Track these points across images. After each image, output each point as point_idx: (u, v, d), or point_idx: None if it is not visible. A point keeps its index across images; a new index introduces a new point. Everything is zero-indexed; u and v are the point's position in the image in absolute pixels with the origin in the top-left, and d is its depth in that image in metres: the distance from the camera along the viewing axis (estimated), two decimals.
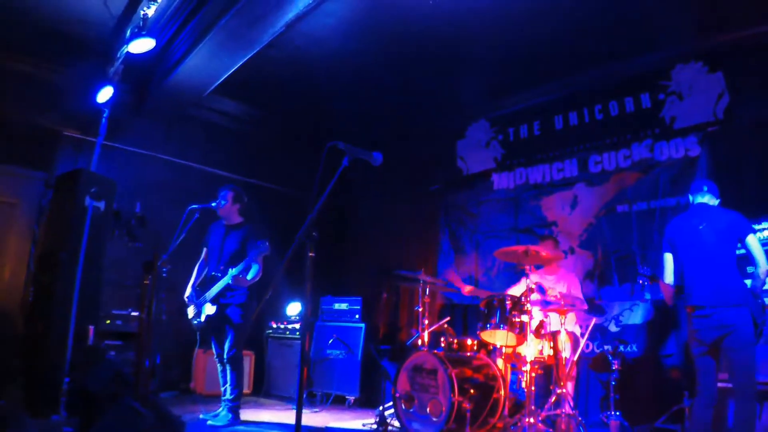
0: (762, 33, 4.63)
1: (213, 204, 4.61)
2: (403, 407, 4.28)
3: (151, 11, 4.58)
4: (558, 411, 4.12)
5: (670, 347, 4.78)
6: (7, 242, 5.36)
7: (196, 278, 4.75)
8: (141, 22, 4.60)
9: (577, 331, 4.89)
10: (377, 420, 4.49)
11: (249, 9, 4.29)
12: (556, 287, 4.87)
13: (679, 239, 3.62)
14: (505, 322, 4.23)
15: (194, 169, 6.66)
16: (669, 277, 3.67)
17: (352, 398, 5.81)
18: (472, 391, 4.01)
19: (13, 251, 5.38)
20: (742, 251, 3.46)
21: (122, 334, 5.10)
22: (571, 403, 4.24)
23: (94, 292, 4.46)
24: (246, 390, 5.87)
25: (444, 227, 6.88)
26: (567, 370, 4.36)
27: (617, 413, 4.24)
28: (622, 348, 4.86)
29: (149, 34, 4.60)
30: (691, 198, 3.75)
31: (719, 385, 3.41)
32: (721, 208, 3.64)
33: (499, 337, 4.37)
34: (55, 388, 3.74)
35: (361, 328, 5.99)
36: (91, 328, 4.24)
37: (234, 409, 4.46)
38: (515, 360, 4.34)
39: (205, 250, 4.86)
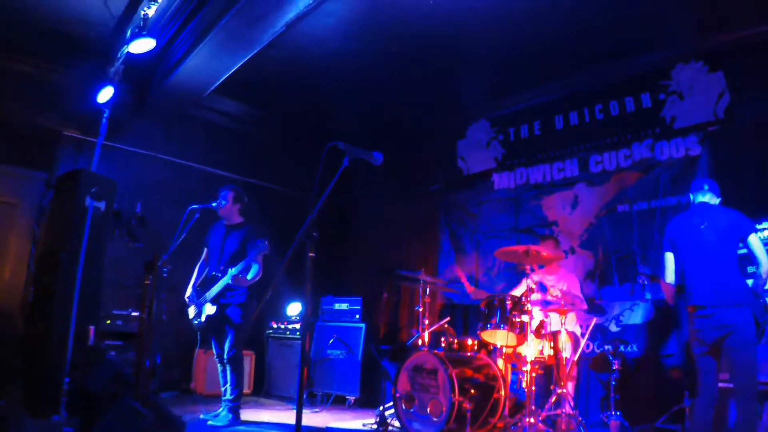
0: (762, 32, 4.63)
1: (213, 204, 4.61)
2: (404, 407, 4.28)
3: (151, 11, 4.58)
4: (558, 411, 4.12)
5: (670, 347, 4.78)
6: (8, 242, 5.36)
7: (197, 278, 4.75)
8: (141, 22, 4.60)
9: (578, 331, 4.89)
10: (377, 420, 4.49)
11: (249, 9, 4.29)
12: (556, 287, 4.87)
13: (681, 239, 3.60)
14: (506, 322, 4.23)
15: (195, 169, 6.66)
16: (670, 276, 3.66)
17: (352, 398, 5.81)
18: (472, 391, 4.01)
19: (14, 251, 5.38)
20: (744, 251, 3.44)
21: (123, 335, 5.10)
22: (572, 403, 4.24)
23: (95, 292, 4.46)
24: (246, 390, 5.88)
25: (444, 227, 6.87)
26: (567, 370, 4.36)
27: (617, 413, 4.24)
28: (622, 348, 4.85)
29: (150, 34, 4.60)
30: (691, 197, 3.73)
31: (720, 385, 3.40)
32: (722, 207, 3.62)
33: (499, 337, 4.37)
34: (56, 389, 3.74)
35: (362, 328, 5.99)
36: (92, 328, 4.24)
37: (234, 409, 4.46)
38: (516, 360, 4.34)
39: (205, 250, 4.86)
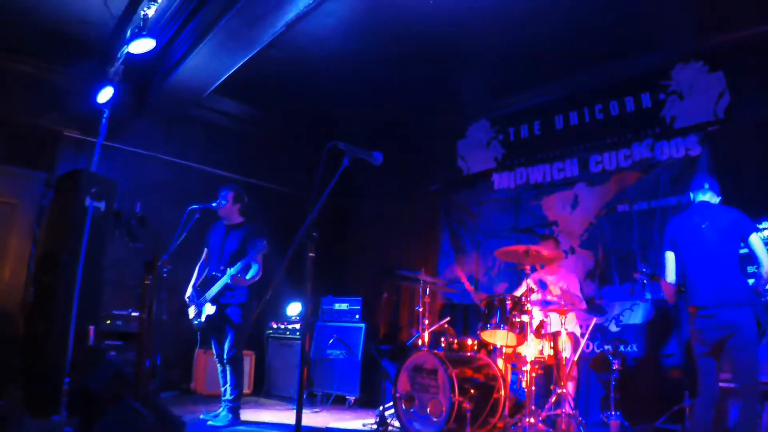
0: (762, 32, 4.63)
1: (213, 204, 4.61)
2: (404, 407, 4.28)
3: (151, 11, 4.58)
4: (558, 411, 4.12)
5: (670, 347, 4.78)
6: (8, 242, 5.36)
7: (197, 278, 4.76)
8: (141, 23, 4.60)
9: (578, 331, 4.89)
10: (377, 420, 4.49)
11: (249, 9, 4.29)
12: (556, 286, 4.87)
13: (682, 238, 3.58)
14: (506, 322, 4.23)
15: (194, 169, 6.66)
16: (671, 275, 3.64)
17: (352, 398, 5.81)
18: (472, 391, 4.01)
19: (14, 251, 5.38)
20: (744, 250, 3.43)
21: (123, 335, 5.10)
22: (572, 403, 4.24)
23: (95, 292, 4.47)
24: (246, 390, 5.88)
25: (444, 227, 6.88)
26: (567, 370, 4.36)
27: (618, 413, 4.24)
28: (622, 348, 4.85)
29: (149, 35, 4.60)
30: (692, 195, 3.71)
31: (720, 384, 3.40)
32: (723, 206, 3.61)
33: (499, 337, 4.37)
34: (56, 389, 3.75)
35: (362, 328, 5.99)
36: (92, 328, 4.24)
37: (234, 409, 4.46)
38: (515, 360, 4.34)
39: (205, 250, 4.86)
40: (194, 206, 4.40)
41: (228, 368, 4.51)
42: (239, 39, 4.72)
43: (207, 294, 4.50)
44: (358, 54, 5.53)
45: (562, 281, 4.95)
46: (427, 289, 4.87)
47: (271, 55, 5.26)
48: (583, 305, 4.83)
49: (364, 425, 4.67)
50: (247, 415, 4.82)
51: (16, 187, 5.48)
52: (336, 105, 6.63)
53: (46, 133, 5.71)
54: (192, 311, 4.62)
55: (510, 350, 4.36)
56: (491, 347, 4.60)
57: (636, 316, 5.05)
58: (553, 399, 4.20)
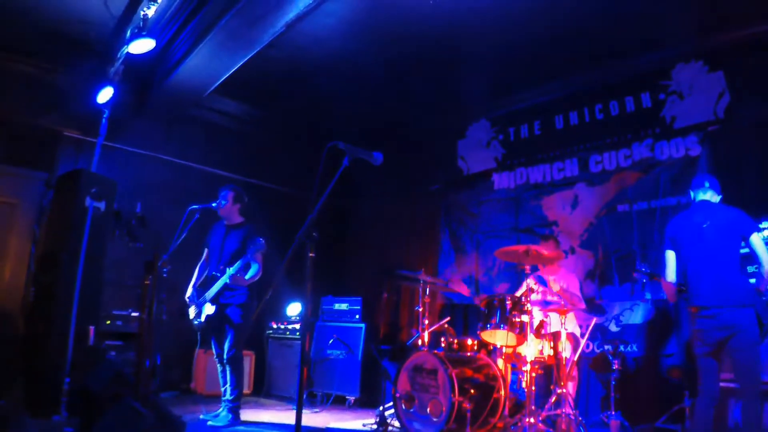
0: (763, 32, 4.63)
1: (213, 204, 4.61)
2: (404, 407, 4.28)
3: (151, 11, 4.58)
4: (558, 411, 4.12)
5: (670, 347, 4.78)
6: (8, 242, 5.36)
7: (197, 278, 4.76)
8: (141, 23, 4.60)
9: (577, 331, 4.89)
10: (377, 420, 4.49)
11: (249, 9, 4.28)
12: (556, 284, 4.87)
13: (683, 237, 3.55)
14: (506, 322, 4.23)
15: (194, 170, 6.66)
16: (671, 275, 3.61)
17: (352, 398, 5.81)
18: (472, 391, 4.01)
19: (14, 251, 5.38)
20: (745, 250, 3.40)
21: (123, 335, 5.10)
22: (572, 403, 4.23)
23: (95, 292, 4.47)
24: (246, 390, 5.88)
25: (444, 227, 6.88)
26: (567, 370, 4.36)
27: (618, 413, 4.24)
28: (622, 348, 4.85)
29: (149, 35, 4.60)
30: (692, 194, 3.68)
31: (721, 384, 3.39)
32: (724, 205, 3.58)
33: (499, 337, 4.37)
34: (56, 389, 3.75)
35: (362, 328, 5.99)
36: (92, 328, 4.25)
37: (234, 409, 4.46)
38: (515, 360, 4.34)
39: (206, 250, 4.86)
40: (194, 206, 4.40)
41: (228, 368, 4.51)
42: (239, 39, 4.72)
43: (207, 294, 4.50)
44: (358, 54, 5.53)
45: (562, 281, 4.95)
46: (427, 289, 4.87)
47: (271, 55, 5.26)
48: (583, 305, 4.83)
49: (364, 425, 4.67)
50: (247, 415, 4.82)
51: (16, 187, 5.48)
52: (336, 105, 6.63)
53: (46, 133, 5.71)
54: (192, 311, 4.62)
55: (510, 350, 4.35)
56: (491, 347, 4.60)
57: (636, 316, 5.05)
58: (553, 399, 4.20)
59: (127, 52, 4.82)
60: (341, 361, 5.96)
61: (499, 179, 6.49)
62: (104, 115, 5.38)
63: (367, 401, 5.74)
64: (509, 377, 4.43)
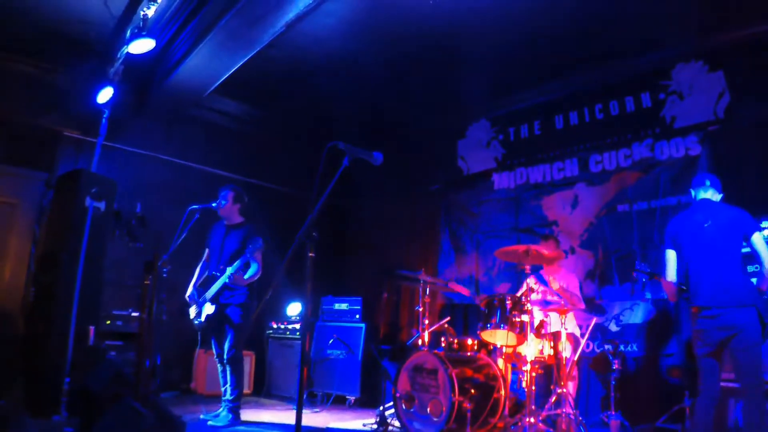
0: (763, 32, 4.63)
1: (213, 204, 4.61)
2: (404, 407, 4.28)
3: (151, 11, 4.58)
4: (558, 411, 4.12)
5: (670, 346, 4.78)
6: (8, 242, 5.36)
7: (198, 278, 4.76)
8: (141, 23, 4.60)
9: (577, 331, 4.89)
10: (378, 420, 4.49)
11: (249, 9, 4.29)
12: (556, 283, 4.87)
13: (684, 236, 3.52)
14: (506, 321, 4.23)
15: (195, 170, 6.66)
16: (672, 275, 3.57)
17: (352, 398, 5.81)
18: (472, 390, 4.01)
19: (14, 251, 5.38)
20: (746, 249, 3.37)
21: (123, 335, 5.10)
22: (572, 403, 4.23)
23: (95, 292, 4.47)
24: (246, 390, 5.88)
25: (444, 227, 6.88)
26: (567, 370, 4.36)
27: (618, 413, 4.24)
28: (622, 347, 4.86)
29: (149, 35, 4.60)
30: (693, 193, 3.65)
31: (721, 384, 3.38)
32: (725, 204, 3.55)
33: (499, 337, 4.37)
34: (56, 389, 3.75)
35: (362, 328, 5.99)
36: (92, 328, 4.25)
37: (234, 409, 4.46)
38: (516, 360, 4.34)
39: (206, 250, 4.86)
40: (194, 206, 4.40)
41: (228, 368, 4.51)
42: (239, 39, 4.72)
43: (207, 294, 4.51)
44: (358, 54, 5.53)
45: (561, 281, 4.95)
46: (427, 289, 4.87)
47: (271, 55, 5.26)
48: (582, 305, 4.83)
49: (364, 425, 4.67)
50: (248, 415, 4.82)
51: (16, 187, 5.49)
52: (336, 105, 6.63)
53: (46, 133, 5.71)
54: (193, 311, 4.62)
55: (510, 350, 4.36)
56: (491, 347, 4.60)
57: (636, 315, 5.05)
58: (554, 399, 4.20)
59: (127, 52, 4.82)
60: (341, 361, 5.96)
61: (499, 179, 6.49)
62: (104, 115, 5.38)
63: (368, 401, 5.73)
64: (509, 377, 4.43)
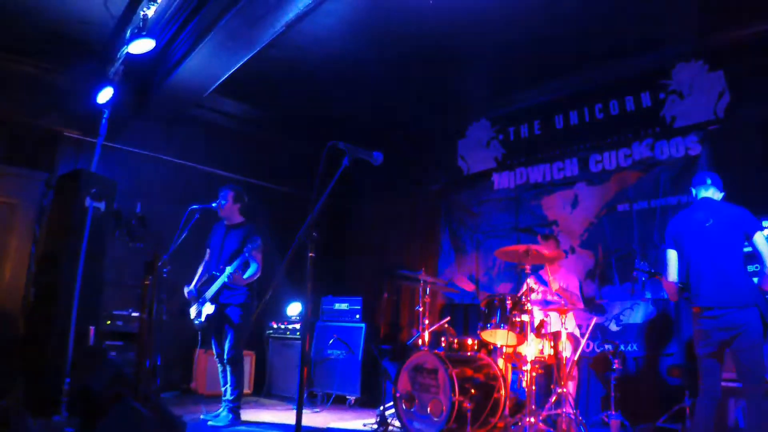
0: (763, 31, 4.63)
1: (213, 204, 4.61)
2: (404, 407, 4.28)
3: (151, 12, 4.58)
4: (559, 410, 4.12)
5: (670, 346, 4.78)
6: (8, 242, 5.36)
7: (199, 279, 4.76)
8: (141, 23, 4.60)
9: (578, 332, 4.89)
10: (378, 420, 4.49)
11: (249, 9, 4.28)
12: (555, 283, 4.87)
13: (685, 236, 3.48)
14: (506, 321, 4.23)
15: (195, 169, 6.66)
16: (673, 274, 3.53)
17: (352, 398, 5.81)
18: (472, 390, 4.01)
19: (14, 251, 5.39)
20: (748, 249, 3.34)
21: (123, 335, 5.11)
22: (572, 403, 4.23)
23: (95, 292, 4.47)
24: (247, 390, 5.88)
25: (444, 227, 6.88)
26: (568, 370, 4.36)
27: (618, 412, 4.24)
28: (622, 347, 4.86)
29: (149, 35, 4.60)
30: (693, 191, 3.61)
31: (722, 384, 3.37)
32: (726, 203, 3.51)
33: (499, 337, 4.37)
34: (57, 389, 3.75)
35: (362, 328, 5.99)
36: (92, 328, 4.25)
37: (234, 409, 4.46)
38: (516, 359, 4.34)
39: (208, 251, 4.86)
40: (194, 206, 4.40)
41: (228, 368, 4.51)
42: (239, 39, 4.72)
43: (207, 293, 4.51)
44: (358, 54, 5.53)
45: (561, 281, 4.95)
46: (428, 289, 4.87)
47: (271, 55, 5.26)
48: (581, 304, 4.83)
49: (364, 425, 4.67)
50: (248, 415, 4.82)
51: (16, 187, 5.49)
52: (336, 105, 6.63)
53: (46, 133, 5.72)
54: (193, 311, 4.62)
55: (510, 350, 4.36)
56: (491, 347, 4.60)
57: (636, 315, 5.05)
58: (554, 398, 4.20)
59: (127, 52, 4.82)
60: (342, 361, 5.96)
61: (499, 179, 6.49)
62: (104, 115, 5.38)
63: (368, 401, 5.73)
64: (509, 377, 4.44)
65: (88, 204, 4.36)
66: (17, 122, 5.53)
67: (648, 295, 4.99)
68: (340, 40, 5.28)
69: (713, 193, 3.53)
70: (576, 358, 4.61)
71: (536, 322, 4.37)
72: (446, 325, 4.79)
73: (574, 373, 4.71)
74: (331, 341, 6.05)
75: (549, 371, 4.56)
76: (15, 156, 5.48)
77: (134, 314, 5.21)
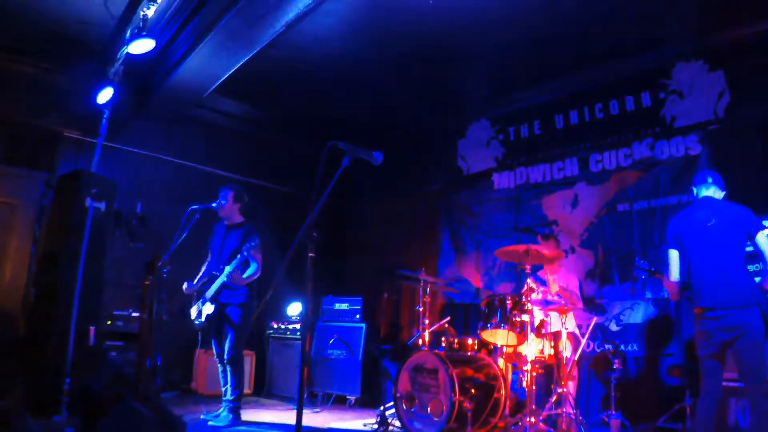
0: (763, 31, 4.63)
1: (213, 204, 4.61)
2: (404, 407, 4.28)
3: (151, 12, 4.58)
4: (559, 410, 4.12)
5: (671, 346, 4.78)
6: (8, 242, 5.36)
7: (201, 278, 4.75)
8: (141, 23, 4.60)
9: (578, 332, 4.89)
10: (378, 420, 4.49)
11: (249, 9, 4.28)
12: (555, 284, 4.87)
13: (687, 236, 3.45)
14: (506, 321, 4.23)
15: (195, 169, 6.66)
16: (675, 274, 3.50)
17: (353, 398, 5.81)
18: (473, 390, 4.01)
19: (14, 252, 5.39)
20: (749, 248, 3.32)
21: (123, 335, 5.10)
22: (572, 403, 4.24)
23: (95, 292, 4.47)
24: (247, 390, 5.88)
25: (445, 227, 6.88)
26: (568, 370, 4.36)
27: (618, 412, 4.24)
28: (623, 347, 4.86)
29: (149, 35, 4.60)
30: (695, 190, 3.58)
31: (723, 383, 3.37)
32: (728, 202, 3.49)
33: (499, 337, 4.37)
34: (57, 389, 3.75)
35: (362, 328, 5.99)
36: (92, 328, 4.25)
37: (235, 409, 4.46)
38: (516, 359, 4.35)
39: (210, 251, 4.86)
40: (194, 206, 4.40)
41: (228, 368, 4.51)
42: (239, 39, 4.72)
43: (207, 293, 4.51)
44: (358, 54, 5.53)
45: (561, 280, 4.96)
46: (428, 289, 4.87)
47: (271, 55, 5.26)
48: (580, 304, 4.83)
49: (365, 425, 4.67)
50: (248, 415, 4.82)
51: (16, 187, 5.49)
52: (336, 105, 6.63)
53: (46, 133, 5.72)
54: (194, 311, 4.62)
55: (510, 350, 4.36)
56: (492, 347, 4.60)
57: (636, 315, 5.05)
58: (554, 398, 4.20)
59: (127, 53, 4.81)
60: (342, 361, 5.96)
61: (499, 179, 6.49)
62: (104, 115, 5.39)
63: (368, 401, 5.73)
64: (510, 377, 4.44)
65: (89, 204, 4.36)
66: (17, 122, 5.53)
67: (648, 295, 4.99)
68: (340, 40, 5.28)
69: (714, 192, 3.51)
70: (576, 358, 4.61)
71: (536, 322, 4.37)
72: (446, 325, 4.80)
73: (575, 373, 4.71)
74: (331, 341, 6.05)
75: (549, 371, 4.57)
76: (15, 156, 5.48)
77: (134, 314, 5.21)
